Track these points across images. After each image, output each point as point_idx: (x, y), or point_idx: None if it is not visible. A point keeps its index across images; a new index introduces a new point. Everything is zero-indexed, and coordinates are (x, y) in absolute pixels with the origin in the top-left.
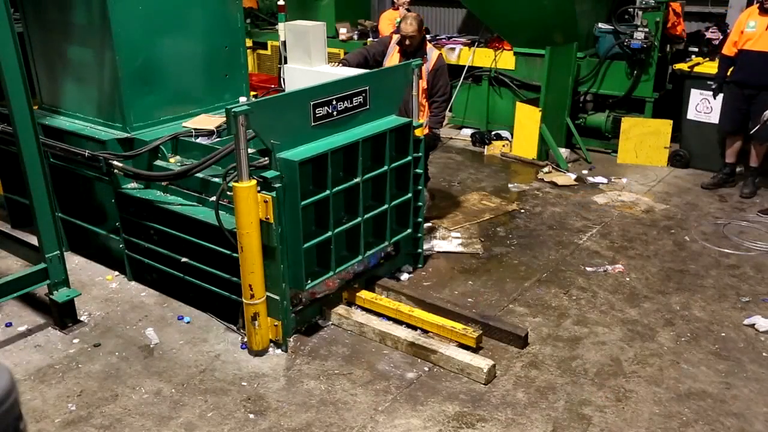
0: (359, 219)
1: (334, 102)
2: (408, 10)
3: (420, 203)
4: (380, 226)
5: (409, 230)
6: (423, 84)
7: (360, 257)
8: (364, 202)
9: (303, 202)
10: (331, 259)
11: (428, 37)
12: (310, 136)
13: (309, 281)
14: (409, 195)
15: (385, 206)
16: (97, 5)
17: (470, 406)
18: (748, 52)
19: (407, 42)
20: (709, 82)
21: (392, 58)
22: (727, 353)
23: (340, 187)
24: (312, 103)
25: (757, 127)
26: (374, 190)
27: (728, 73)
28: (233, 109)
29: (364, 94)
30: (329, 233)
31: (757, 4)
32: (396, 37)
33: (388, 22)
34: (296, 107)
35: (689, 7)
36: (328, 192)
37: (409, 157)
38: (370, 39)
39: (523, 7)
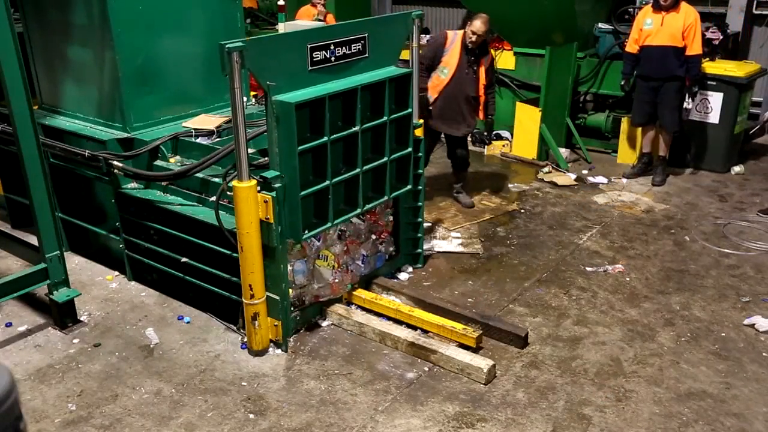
0: (358, 170)
1: (332, 47)
2: (324, 6)
3: (420, 171)
4: (379, 180)
5: (408, 186)
6: (483, 80)
7: (359, 210)
8: (363, 154)
9: (300, 147)
10: (329, 211)
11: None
12: (308, 80)
13: (306, 232)
14: (409, 149)
15: (385, 159)
16: (97, 5)
17: (470, 406)
18: (648, 47)
19: (474, 39)
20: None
21: (452, 54)
22: (727, 353)
23: (338, 135)
24: (309, 46)
25: (756, 128)
26: (373, 142)
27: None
28: (227, 45)
29: (363, 41)
30: (327, 182)
31: (651, 3)
32: (453, 34)
33: (307, 18)
34: (293, 49)
35: None
36: (325, 138)
37: (409, 110)
38: None
39: (523, 7)
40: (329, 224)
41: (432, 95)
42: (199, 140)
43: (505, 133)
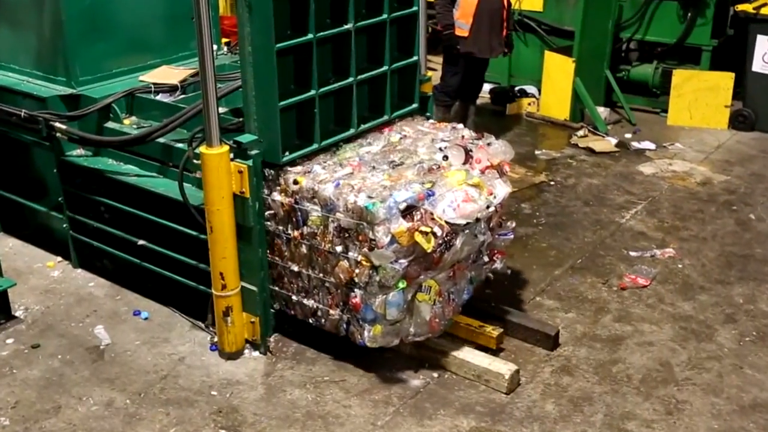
0: (351, 80)
1: None
2: None
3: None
4: (378, 96)
5: (414, 105)
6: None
7: (352, 131)
8: (357, 61)
9: (278, 45)
10: (315, 129)
11: None
12: None
13: (286, 153)
14: (414, 58)
15: (384, 68)
16: None
17: (489, 420)
18: None
19: None
20: None
21: None
22: None
23: (326, 33)
24: None
25: None
26: (370, 48)
27: None
28: None
29: None
30: (312, 92)
31: None
32: None
33: None
34: None
35: None
36: (310, 36)
37: (415, 8)
38: None
39: None
40: (315, 145)
41: (466, 22)
42: (159, 97)
43: (531, 89)
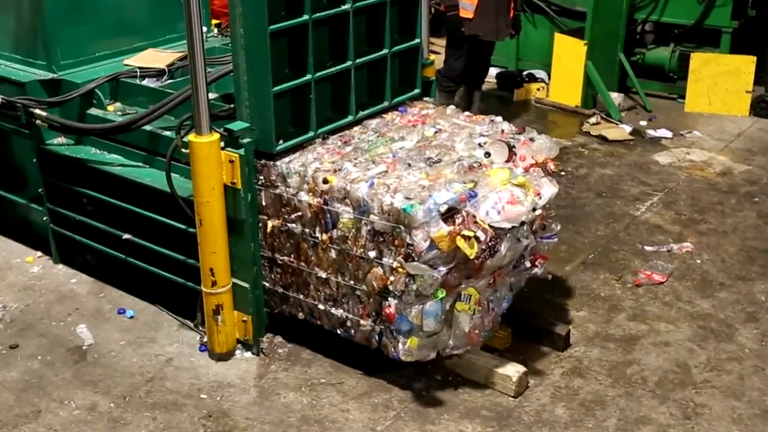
0: (349, 63)
1: None
2: None
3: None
4: (377, 80)
5: (416, 90)
6: None
7: (350, 118)
8: (356, 44)
9: (271, 27)
10: (311, 116)
11: None
12: None
13: (280, 142)
14: (416, 41)
15: (384, 51)
16: None
17: (495, 425)
18: None
19: None
20: None
21: None
22: None
23: (323, 14)
24: None
25: None
26: (369, 30)
27: None
28: None
29: None
30: (308, 77)
31: None
32: None
33: None
34: None
35: None
36: (306, 17)
37: None
38: None
39: None
40: (311, 133)
41: (471, 3)
42: (145, 82)
43: (540, 74)
